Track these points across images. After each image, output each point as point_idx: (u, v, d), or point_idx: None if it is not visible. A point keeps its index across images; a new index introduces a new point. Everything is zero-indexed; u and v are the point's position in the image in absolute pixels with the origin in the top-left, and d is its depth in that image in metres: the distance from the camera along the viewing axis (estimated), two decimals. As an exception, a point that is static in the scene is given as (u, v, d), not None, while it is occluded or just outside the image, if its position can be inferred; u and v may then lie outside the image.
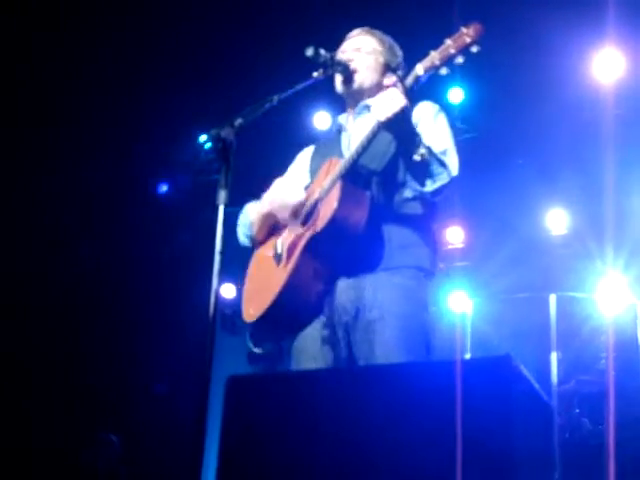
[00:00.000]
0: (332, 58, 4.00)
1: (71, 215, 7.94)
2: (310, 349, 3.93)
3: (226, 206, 3.19)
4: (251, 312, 4.06)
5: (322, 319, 3.93)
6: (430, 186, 3.83)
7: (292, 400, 3.10)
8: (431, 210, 4.02)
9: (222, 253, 3.14)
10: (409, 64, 3.97)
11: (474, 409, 2.76)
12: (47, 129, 7.61)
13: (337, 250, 3.86)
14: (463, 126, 7.83)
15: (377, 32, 4.25)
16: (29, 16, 7.14)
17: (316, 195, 3.95)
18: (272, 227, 4.19)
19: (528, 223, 7.77)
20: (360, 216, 3.82)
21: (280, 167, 4.37)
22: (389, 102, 3.68)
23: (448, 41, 3.70)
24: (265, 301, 3.95)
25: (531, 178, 7.49)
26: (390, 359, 3.70)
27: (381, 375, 3.12)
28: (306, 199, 4.04)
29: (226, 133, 3.26)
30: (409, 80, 3.75)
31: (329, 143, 4.31)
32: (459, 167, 3.92)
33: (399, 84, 3.75)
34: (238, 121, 3.33)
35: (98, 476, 7.27)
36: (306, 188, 4.14)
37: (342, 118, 4.29)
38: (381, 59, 4.17)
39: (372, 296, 3.84)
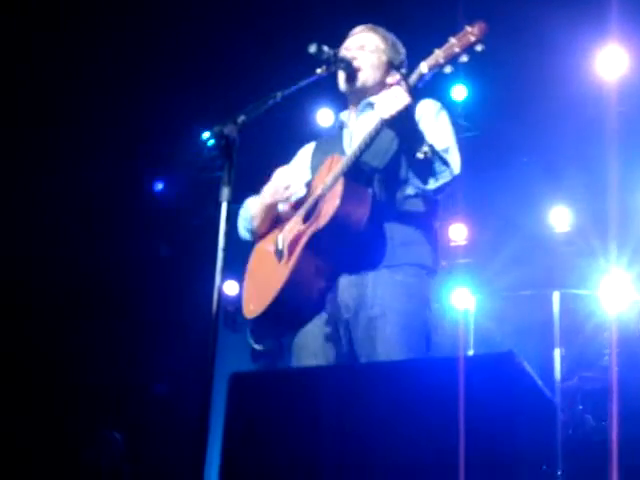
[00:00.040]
0: (335, 55, 4.00)
1: (71, 215, 7.93)
2: (311, 346, 3.94)
3: (229, 203, 3.19)
4: (252, 308, 4.06)
5: (323, 316, 3.94)
6: (433, 184, 3.83)
7: (295, 397, 3.11)
8: (433, 208, 4.03)
9: (225, 250, 3.14)
10: (413, 62, 3.97)
11: (477, 406, 2.77)
12: (47, 129, 7.60)
13: (339, 247, 3.86)
14: (466, 124, 7.82)
15: (380, 29, 4.25)
16: (29, 16, 7.14)
17: (318, 192, 3.96)
18: (273, 221, 4.20)
19: (531, 220, 7.76)
20: (362, 213, 3.83)
21: (283, 164, 4.38)
22: (393, 100, 3.68)
23: (452, 40, 3.69)
24: (266, 298, 3.95)
25: (534, 175, 7.49)
26: (391, 356, 3.71)
27: (384, 372, 3.13)
28: (308, 195, 4.05)
29: (229, 130, 3.25)
30: (413, 78, 3.75)
31: (330, 140, 4.31)
32: (461, 165, 3.92)
33: (403, 82, 3.75)
34: (241, 118, 3.33)
35: (101, 474, 7.27)
36: (307, 184, 4.14)
37: (344, 115, 4.29)
38: (384, 57, 4.17)
39: (373, 293, 3.84)
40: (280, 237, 4.08)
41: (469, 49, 3.66)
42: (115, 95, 7.74)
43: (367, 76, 4.12)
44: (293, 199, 4.15)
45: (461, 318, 7.51)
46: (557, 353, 6.44)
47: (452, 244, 8.20)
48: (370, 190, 3.89)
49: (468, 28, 3.67)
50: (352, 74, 4.09)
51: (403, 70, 4.07)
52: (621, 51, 7.13)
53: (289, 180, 4.09)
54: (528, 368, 2.94)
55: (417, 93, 3.76)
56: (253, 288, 4.16)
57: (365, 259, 3.89)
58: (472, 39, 3.65)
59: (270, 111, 3.57)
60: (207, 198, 7.81)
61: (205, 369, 2.97)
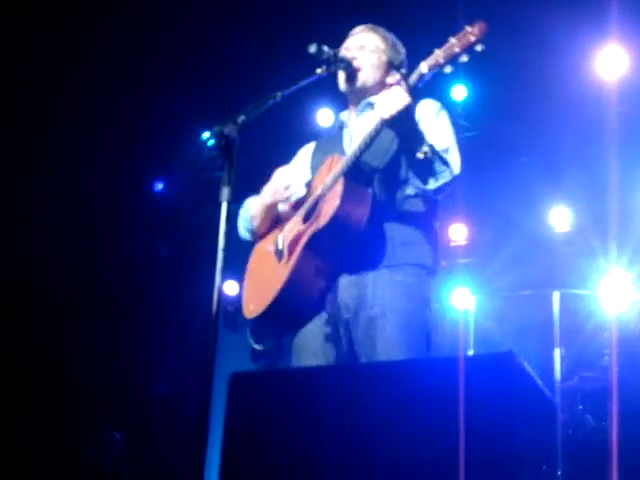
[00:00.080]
0: (335, 55, 4.00)
1: (71, 214, 7.93)
2: (311, 346, 3.94)
3: (229, 203, 3.19)
4: (252, 308, 4.06)
5: (323, 316, 3.94)
6: (433, 184, 3.83)
7: (295, 397, 3.11)
8: (432, 208, 4.03)
9: (225, 250, 3.14)
10: (413, 62, 3.97)
11: (477, 406, 2.77)
12: (47, 129, 7.61)
13: (339, 247, 3.86)
14: (466, 124, 7.82)
15: (380, 29, 4.25)
16: (29, 16, 7.14)
17: (318, 192, 3.96)
18: (273, 221, 4.20)
19: (531, 220, 7.76)
20: (362, 213, 3.83)
21: (283, 164, 4.38)
22: (393, 100, 3.68)
23: (452, 40, 3.69)
24: (266, 298, 3.95)
25: (534, 176, 7.49)
26: (391, 356, 3.71)
27: (384, 372, 3.13)
28: (308, 195, 4.05)
29: (229, 130, 3.25)
30: (413, 78, 3.75)
31: (330, 140, 4.31)
32: (461, 165, 3.92)
33: (403, 82, 3.74)
34: (241, 118, 3.33)
35: (101, 474, 7.27)
36: (307, 184, 4.14)
37: (344, 115, 4.29)
38: (384, 57, 4.16)
39: (373, 293, 3.84)
40: (280, 237, 4.08)
41: (469, 49, 3.66)
42: (115, 95, 7.74)
43: (367, 76, 4.12)
44: (293, 199, 4.15)
45: (461, 318, 7.51)
46: (557, 353, 6.44)
47: (452, 244, 8.20)
48: (370, 190, 3.89)
49: (468, 28, 3.67)
50: (352, 74, 4.09)
51: (403, 70, 4.07)
52: (621, 51, 7.13)
53: (289, 180, 4.09)
54: (528, 368, 2.94)
55: (417, 93, 3.76)
56: (253, 288, 4.16)
57: (365, 259, 3.89)
58: (472, 39, 3.64)
59: (270, 111, 3.57)
60: (207, 198, 7.80)
61: (205, 369, 2.97)
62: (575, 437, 6.28)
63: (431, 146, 3.75)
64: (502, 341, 7.31)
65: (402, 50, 4.24)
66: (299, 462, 2.99)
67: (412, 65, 3.90)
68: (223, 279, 3.09)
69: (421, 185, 3.84)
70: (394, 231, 3.91)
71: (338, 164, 3.90)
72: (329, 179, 3.90)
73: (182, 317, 8.01)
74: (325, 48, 3.95)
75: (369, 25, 4.25)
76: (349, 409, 2.98)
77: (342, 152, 4.08)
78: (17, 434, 7.38)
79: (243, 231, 4.29)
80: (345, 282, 3.90)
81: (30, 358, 7.70)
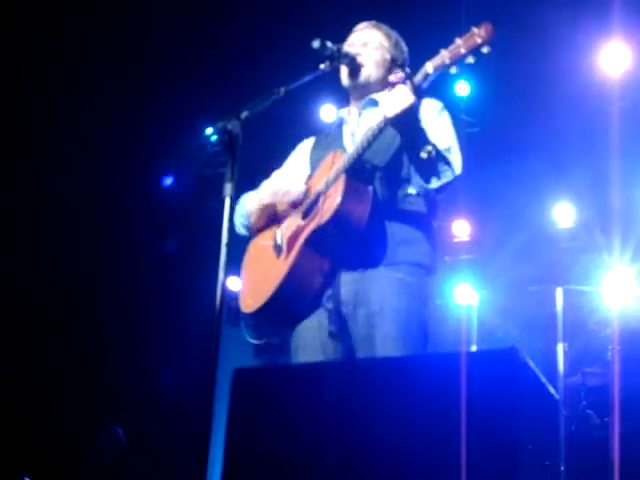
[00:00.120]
0: (339, 50, 3.99)
1: (75, 210, 7.95)
2: (309, 341, 3.94)
3: (232, 199, 3.19)
4: (249, 302, 4.06)
5: (321, 312, 3.94)
6: (434, 183, 3.83)
7: (299, 392, 3.11)
8: (432, 207, 4.03)
9: (228, 245, 3.14)
10: (416, 60, 3.96)
11: (480, 401, 2.77)
12: (47, 129, 7.63)
13: (339, 244, 3.86)
14: (470, 119, 7.82)
15: (383, 26, 4.24)
16: (29, 16, 7.15)
17: (318, 188, 3.95)
18: (270, 217, 4.19)
19: (535, 216, 7.75)
20: (363, 210, 3.82)
21: (286, 160, 4.38)
22: (398, 99, 3.67)
23: (458, 41, 3.65)
24: (265, 292, 3.95)
25: (538, 171, 7.48)
26: (389, 353, 3.71)
27: (388, 367, 3.13)
28: (308, 191, 4.04)
29: (232, 126, 3.25)
30: (418, 78, 3.73)
31: (330, 136, 4.30)
32: (462, 165, 3.92)
33: (408, 82, 3.72)
34: (244, 114, 3.33)
35: (104, 468, 7.29)
36: (306, 180, 4.14)
37: (344, 112, 4.28)
38: (387, 55, 4.16)
39: (372, 290, 3.84)
40: (279, 232, 4.08)
41: (475, 51, 3.64)
42: (118, 92, 7.75)
43: (370, 72, 4.11)
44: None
45: (464, 314, 7.52)
46: (560, 349, 6.44)
47: (455, 240, 8.21)
48: (371, 188, 3.89)
49: (474, 29, 3.63)
50: (355, 69, 4.09)
51: (407, 69, 4.06)
52: (624, 47, 7.13)
53: (289, 185, 4.08)
54: (531, 364, 2.94)
55: (421, 93, 3.75)
56: (251, 283, 4.16)
57: (365, 256, 3.88)
58: (479, 41, 3.61)
59: (273, 106, 3.57)
60: (214, 192, 7.82)
61: (208, 364, 2.98)
62: (578, 433, 6.29)
63: (434, 146, 3.75)
64: (505, 337, 7.32)
65: (405, 48, 4.23)
66: (302, 457, 2.99)
67: (415, 64, 3.90)
68: (226, 274, 3.09)
69: (423, 184, 3.84)
70: (395, 229, 3.90)
71: (340, 160, 3.90)
72: (331, 176, 3.89)
73: (187, 312, 8.02)
74: (329, 44, 3.94)
75: (372, 22, 4.24)
76: (352, 405, 2.98)
77: (342, 148, 4.08)
78: (20, 429, 7.40)
79: (239, 226, 4.28)
80: (344, 278, 3.89)
81: (34, 353, 7.72)
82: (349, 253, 3.88)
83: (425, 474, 2.82)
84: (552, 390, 3.35)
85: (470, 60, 3.65)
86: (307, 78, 3.80)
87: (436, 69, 3.70)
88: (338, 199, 3.78)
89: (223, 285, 3.06)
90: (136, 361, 8.20)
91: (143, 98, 7.90)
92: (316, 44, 3.91)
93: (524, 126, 7.62)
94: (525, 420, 2.81)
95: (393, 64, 4.15)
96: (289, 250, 3.96)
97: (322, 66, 3.93)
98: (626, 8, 6.39)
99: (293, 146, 4.45)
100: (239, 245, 4.19)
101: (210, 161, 7.52)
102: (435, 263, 4.03)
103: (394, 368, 3.09)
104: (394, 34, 4.23)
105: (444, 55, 3.67)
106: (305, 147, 4.39)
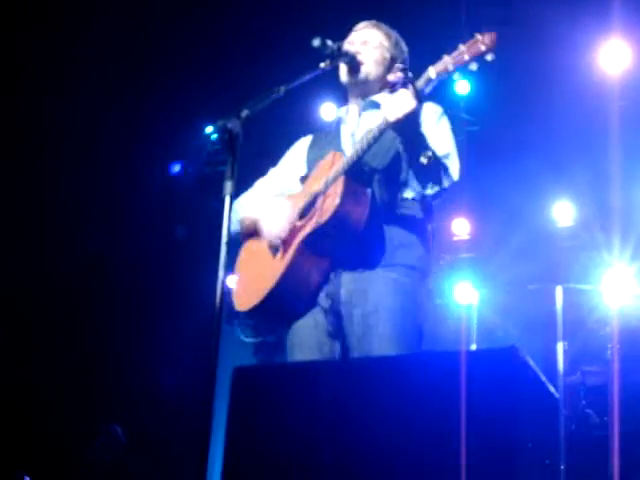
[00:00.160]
0: (339, 49, 3.99)
1: (75, 211, 7.95)
2: (305, 340, 3.94)
3: (232, 197, 3.19)
4: (244, 301, 4.06)
5: (318, 311, 3.94)
6: (431, 189, 3.83)
7: (298, 391, 3.11)
8: (428, 211, 4.03)
9: (228, 244, 3.14)
10: (415, 60, 3.96)
11: (480, 400, 2.77)
12: (47, 128, 7.63)
13: (335, 245, 3.86)
14: (470, 118, 7.82)
15: (383, 26, 4.24)
16: (29, 17, 7.15)
17: (316, 188, 3.94)
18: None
19: (534, 215, 7.76)
20: (361, 213, 3.82)
21: (283, 157, 4.38)
22: (400, 103, 3.66)
23: (462, 47, 3.64)
24: (260, 292, 3.95)
25: (537, 170, 7.48)
26: (384, 352, 3.71)
27: (387, 366, 3.13)
28: (304, 191, 4.04)
29: (232, 124, 3.25)
30: (420, 83, 3.72)
31: (328, 135, 4.29)
32: (460, 171, 3.92)
33: (410, 86, 3.71)
34: (244, 112, 3.33)
35: (103, 466, 7.29)
36: (303, 178, 4.14)
37: (341, 111, 4.28)
38: (387, 54, 4.15)
39: (369, 291, 3.84)
40: None
41: (478, 58, 3.63)
42: (120, 90, 7.76)
43: (369, 70, 4.11)
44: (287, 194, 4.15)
45: (464, 312, 7.52)
46: (560, 347, 6.44)
47: (455, 239, 8.21)
48: (369, 190, 3.89)
49: (478, 36, 3.62)
50: (355, 67, 4.08)
51: (410, 74, 4.05)
52: (624, 45, 7.13)
53: (287, 218, 4.04)
54: (531, 363, 2.94)
55: (423, 98, 3.75)
56: (246, 282, 4.15)
57: (361, 258, 3.88)
58: (483, 48, 3.60)
59: (273, 105, 3.57)
60: (214, 191, 7.83)
61: (208, 362, 2.98)
62: (578, 432, 6.29)
63: (434, 151, 3.75)
64: (505, 335, 7.32)
65: (405, 48, 4.23)
66: (300, 456, 2.99)
67: (416, 64, 3.89)
68: (226, 273, 3.09)
69: (420, 189, 3.84)
70: (393, 233, 3.90)
71: (339, 162, 3.89)
72: (330, 177, 3.88)
73: (186, 310, 8.02)
74: (329, 42, 3.94)
75: (373, 22, 4.24)
76: (352, 403, 2.98)
77: (339, 147, 4.08)
78: (20, 428, 7.40)
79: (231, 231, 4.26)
80: (340, 279, 3.89)
81: (30, 353, 7.73)
82: (347, 254, 3.88)
83: (425, 473, 2.82)
84: (552, 389, 3.35)
85: (473, 67, 3.65)
86: (307, 77, 3.79)
87: (439, 75, 3.69)
88: (337, 200, 3.78)
89: (223, 284, 3.06)
90: (136, 360, 8.20)
91: (143, 97, 7.91)
92: (316, 42, 3.91)
93: (524, 124, 7.62)
94: (525, 419, 2.81)
95: (392, 64, 4.14)
96: (286, 249, 3.96)
97: (322, 65, 3.93)
98: (626, 6, 6.39)
99: (293, 144, 4.45)
100: (238, 243, 4.20)
101: (210, 160, 7.52)
102: (429, 267, 4.04)
103: (394, 367, 3.10)
104: (394, 34, 4.23)
105: (447, 61, 3.67)
106: (302, 145, 4.38)
